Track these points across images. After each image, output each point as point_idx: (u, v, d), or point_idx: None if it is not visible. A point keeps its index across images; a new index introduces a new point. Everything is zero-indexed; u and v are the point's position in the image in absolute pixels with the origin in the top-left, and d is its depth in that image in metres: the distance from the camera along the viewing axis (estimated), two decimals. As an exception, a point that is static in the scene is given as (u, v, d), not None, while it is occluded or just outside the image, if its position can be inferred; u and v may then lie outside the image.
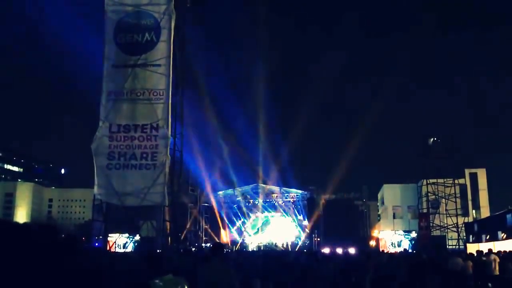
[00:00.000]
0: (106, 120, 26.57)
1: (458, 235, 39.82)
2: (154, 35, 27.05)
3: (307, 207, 50.34)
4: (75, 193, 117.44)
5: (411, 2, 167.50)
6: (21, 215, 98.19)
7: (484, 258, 15.87)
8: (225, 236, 48.38)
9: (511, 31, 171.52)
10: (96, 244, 27.66)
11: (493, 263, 15.02)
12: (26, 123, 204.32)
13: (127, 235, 31.18)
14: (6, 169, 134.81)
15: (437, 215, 42.03)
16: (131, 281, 3.82)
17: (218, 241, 46.24)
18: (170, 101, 26.40)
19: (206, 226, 47.64)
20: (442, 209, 42.39)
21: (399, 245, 35.59)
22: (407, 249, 33.92)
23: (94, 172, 26.29)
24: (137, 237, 31.67)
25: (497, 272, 14.74)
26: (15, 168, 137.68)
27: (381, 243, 37.81)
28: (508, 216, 24.34)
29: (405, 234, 37.46)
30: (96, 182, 26.23)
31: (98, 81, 27.41)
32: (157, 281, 3.79)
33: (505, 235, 24.21)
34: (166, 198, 25.45)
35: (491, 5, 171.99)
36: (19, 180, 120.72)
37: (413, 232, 38.90)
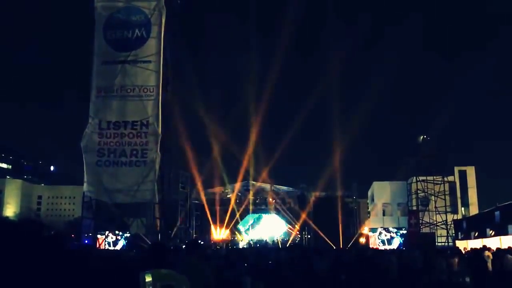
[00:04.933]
0: (96, 117, 26.40)
1: (447, 232, 40.09)
2: (144, 31, 26.90)
3: (298, 204, 50.39)
4: (64, 190, 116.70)
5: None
6: (10, 213, 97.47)
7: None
8: (216, 234, 48.30)
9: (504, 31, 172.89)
10: (86, 241, 27.48)
11: (487, 260, 15.13)
12: (15, 119, 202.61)
13: (117, 232, 30.99)
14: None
15: (426, 212, 42.26)
16: (118, 276, 3.76)
17: (210, 238, 46.26)
18: (160, 98, 26.28)
19: (197, 223, 47.48)
20: (431, 206, 42.62)
21: (389, 243, 35.71)
22: (399, 247, 34.04)
23: (83, 169, 26.12)
24: (127, 235, 31.49)
25: (490, 268, 14.86)
26: (4, 165, 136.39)
27: (371, 240, 37.89)
28: (497, 213, 24.50)
29: (396, 231, 37.60)
30: (85, 179, 26.07)
31: (88, 77, 27.22)
32: (147, 273, 3.71)
33: (493, 232, 24.39)
34: (156, 195, 25.36)
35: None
36: (8, 177, 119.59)
37: (403, 229, 39.08)
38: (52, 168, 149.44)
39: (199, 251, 6.75)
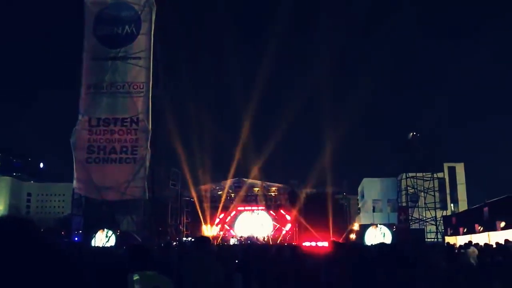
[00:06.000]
0: (86, 114, 26.22)
1: (437, 228, 40.42)
2: (134, 27, 26.73)
3: (289, 201, 50.55)
4: (54, 188, 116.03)
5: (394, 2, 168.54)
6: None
7: (462, 251, 16.15)
8: (206, 230, 48.28)
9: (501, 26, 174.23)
10: (76, 238, 27.35)
11: (471, 255, 15.28)
12: (3, 116, 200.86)
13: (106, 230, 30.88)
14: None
15: (416, 208, 42.59)
16: (109, 274, 3.75)
17: (201, 235, 46.18)
18: (150, 94, 26.16)
19: (187, 221, 47.46)
20: (421, 202, 42.96)
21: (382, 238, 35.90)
22: (389, 242, 34.22)
23: (73, 166, 25.96)
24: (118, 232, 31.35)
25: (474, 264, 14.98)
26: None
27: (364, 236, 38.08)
28: (485, 209, 24.73)
29: (388, 227, 37.82)
30: (75, 176, 25.90)
31: (78, 74, 27.04)
32: (135, 274, 3.71)
33: (481, 228, 24.61)
34: (146, 192, 25.26)
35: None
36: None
37: (394, 226, 39.36)
38: (41, 165, 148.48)
39: (208, 247, 6.76)
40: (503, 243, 15.93)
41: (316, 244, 36.81)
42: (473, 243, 17.67)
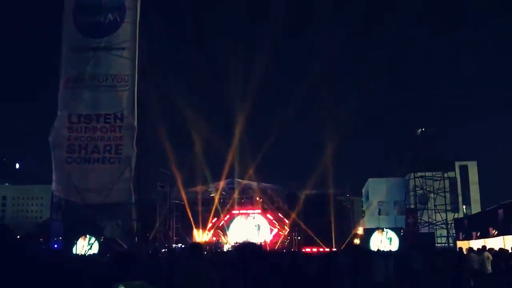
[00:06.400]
0: (65, 109, 26.15)
1: (448, 232, 40.51)
2: (118, 15, 26.66)
3: (287, 203, 50.48)
4: (31, 190, 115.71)
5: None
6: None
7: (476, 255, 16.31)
8: (198, 236, 48.22)
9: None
10: (55, 245, 27.28)
11: (485, 261, 15.42)
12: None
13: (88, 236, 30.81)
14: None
15: (425, 211, 42.66)
16: (92, 284, 3.75)
17: (192, 241, 46.12)
18: (136, 88, 26.10)
19: (177, 225, 47.35)
20: (430, 204, 43.02)
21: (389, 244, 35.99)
22: (396, 248, 34.34)
23: (52, 166, 25.90)
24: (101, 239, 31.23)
25: (489, 270, 15.13)
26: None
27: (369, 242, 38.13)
28: (500, 211, 24.76)
29: (395, 231, 37.91)
30: (54, 177, 25.84)
31: (56, 67, 26.97)
32: (120, 285, 3.72)
33: (496, 232, 24.66)
34: (132, 195, 25.23)
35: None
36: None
37: (401, 230, 39.46)
38: (17, 166, 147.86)
39: (200, 254, 6.89)
40: (519, 247, 16.08)
41: (318, 250, 36.93)
42: (487, 248, 17.80)
